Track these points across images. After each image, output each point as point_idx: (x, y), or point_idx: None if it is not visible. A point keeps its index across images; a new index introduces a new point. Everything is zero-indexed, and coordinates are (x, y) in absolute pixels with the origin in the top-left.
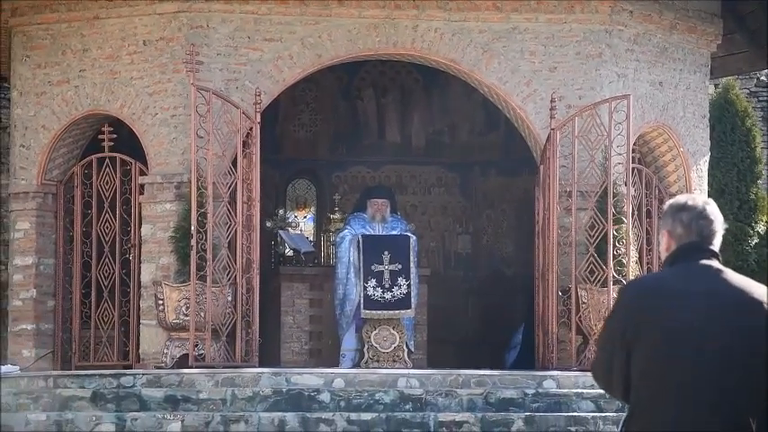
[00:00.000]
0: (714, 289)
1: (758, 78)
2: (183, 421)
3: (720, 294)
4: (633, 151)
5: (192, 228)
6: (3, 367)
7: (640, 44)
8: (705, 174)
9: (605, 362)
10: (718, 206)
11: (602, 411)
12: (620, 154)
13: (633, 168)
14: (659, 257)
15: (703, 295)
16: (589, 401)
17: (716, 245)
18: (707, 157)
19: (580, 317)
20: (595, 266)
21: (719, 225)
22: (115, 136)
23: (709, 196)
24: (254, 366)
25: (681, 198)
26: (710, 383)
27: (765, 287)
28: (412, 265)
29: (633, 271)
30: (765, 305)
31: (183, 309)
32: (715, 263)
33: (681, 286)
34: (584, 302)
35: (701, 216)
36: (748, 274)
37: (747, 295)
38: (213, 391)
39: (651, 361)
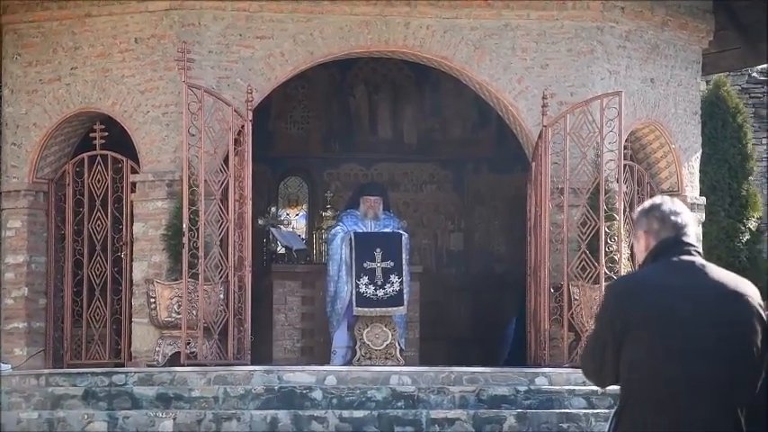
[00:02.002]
0: (697, 283)
1: (750, 75)
2: (174, 419)
3: (704, 288)
4: (625, 148)
5: (184, 226)
6: None
7: (632, 41)
8: (696, 170)
9: (596, 355)
10: (710, 203)
11: (593, 408)
12: (611, 151)
13: (625, 165)
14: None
15: (687, 289)
16: (581, 398)
17: (692, 238)
18: (698, 154)
19: (572, 314)
20: (587, 263)
21: (690, 218)
22: (107, 134)
23: (700, 193)
24: (246, 364)
25: (647, 202)
26: (699, 376)
27: (748, 280)
28: (404, 262)
29: (625, 267)
30: (748, 297)
31: (175, 307)
32: (697, 258)
33: (665, 281)
34: (575, 299)
35: (672, 212)
36: (739, 270)
37: (730, 288)
38: (205, 389)
39: (639, 355)
